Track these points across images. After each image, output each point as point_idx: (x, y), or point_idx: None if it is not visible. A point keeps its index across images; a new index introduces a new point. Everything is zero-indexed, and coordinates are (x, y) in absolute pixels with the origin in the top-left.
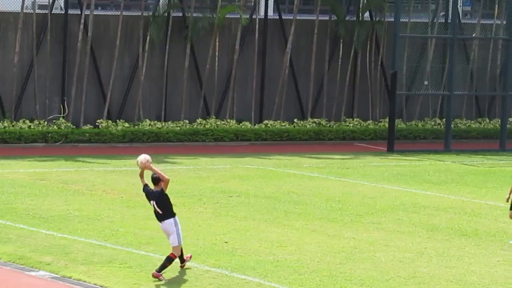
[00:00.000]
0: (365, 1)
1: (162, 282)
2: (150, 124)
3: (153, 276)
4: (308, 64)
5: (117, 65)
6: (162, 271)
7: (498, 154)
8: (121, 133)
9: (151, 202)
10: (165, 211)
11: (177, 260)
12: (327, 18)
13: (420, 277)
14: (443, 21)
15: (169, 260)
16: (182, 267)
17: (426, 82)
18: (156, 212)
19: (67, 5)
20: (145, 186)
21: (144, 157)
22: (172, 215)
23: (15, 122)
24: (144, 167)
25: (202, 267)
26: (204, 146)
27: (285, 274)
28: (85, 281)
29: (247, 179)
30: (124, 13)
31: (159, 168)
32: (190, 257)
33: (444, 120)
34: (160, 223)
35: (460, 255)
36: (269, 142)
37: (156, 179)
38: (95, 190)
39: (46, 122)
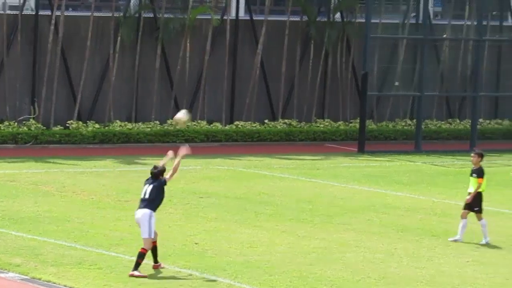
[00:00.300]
0: (336, 2)
1: (132, 283)
2: (120, 125)
3: (130, 276)
4: (279, 65)
5: (87, 66)
6: (137, 269)
7: (468, 155)
8: (91, 134)
9: (146, 186)
10: (152, 198)
11: (151, 263)
12: (298, 19)
13: (391, 277)
14: (414, 22)
15: (140, 256)
16: (154, 267)
17: (397, 83)
18: (141, 199)
19: (37, 6)
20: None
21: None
22: (153, 209)
23: None
24: (176, 123)
25: (173, 268)
26: (175, 147)
27: (255, 275)
28: (55, 283)
29: (218, 180)
30: (95, 14)
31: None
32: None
33: (414, 121)
34: (136, 211)
35: (430, 256)
36: (239, 143)
37: (156, 174)
38: (65, 191)
39: (16, 124)
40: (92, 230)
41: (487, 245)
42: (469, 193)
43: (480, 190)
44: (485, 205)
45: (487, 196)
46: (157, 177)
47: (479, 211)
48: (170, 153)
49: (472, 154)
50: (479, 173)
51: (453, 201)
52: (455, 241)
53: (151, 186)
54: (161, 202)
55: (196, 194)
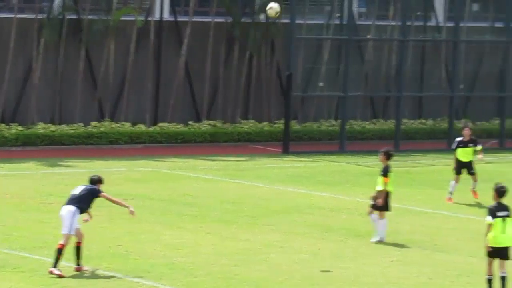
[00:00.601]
0: (261, 3)
1: (56, 286)
2: (44, 127)
3: (50, 272)
4: (203, 66)
5: (10, 68)
6: (57, 265)
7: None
8: (14, 137)
9: (80, 185)
10: (79, 198)
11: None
12: (222, 20)
13: (315, 278)
14: (339, 22)
15: (58, 251)
16: (77, 270)
17: (321, 84)
18: (70, 196)
19: None
20: None
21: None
22: (79, 208)
23: None
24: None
25: (96, 270)
26: (99, 149)
27: (180, 276)
28: None
29: (142, 182)
30: (18, 15)
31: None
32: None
33: (339, 121)
34: (63, 207)
35: (355, 256)
36: (164, 144)
37: (93, 181)
38: None
39: None
40: (15, 233)
41: (381, 242)
42: (377, 191)
43: (387, 188)
44: (408, 205)
45: (411, 195)
46: (94, 184)
47: (383, 209)
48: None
49: (379, 153)
50: (384, 172)
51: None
52: (379, 242)
53: (83, 187)
54: (87, 208)
55: (120, 196)
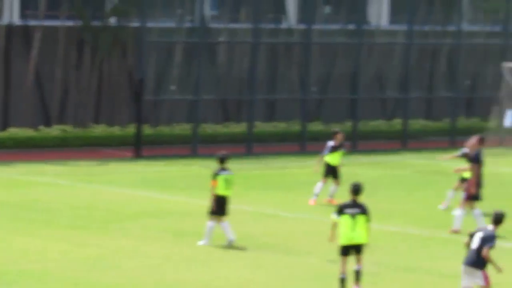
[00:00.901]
0: (111, 6)
1: None
2: None
3: None
4: (54, 70)
5: None
6: None
7: (246, 158)
8: None
9: None
10: None
11: None
12: (73, 23)
13: (167, 282)
14: (191, 25)
15: None
16: None
17: (173, 87)
18: None
19: None
20: None
21: None
22: None
23: None
24: None
25: None
26: None
27: (29, 283)
28: None
29: None
30: None
31: None
32: None
33: (191, 124)
34: None
35: (207, 260)
36: (13, 149)
37: None
38: None
39: None
40: None
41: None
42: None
43: (220, 193)
44: (262, 208)
45: (264, 198)
46: None
47: (216, 214)
48: None
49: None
50: (213, 175)
51: (235, 205)
52: (229, 243)
53: None
54: None
55: None
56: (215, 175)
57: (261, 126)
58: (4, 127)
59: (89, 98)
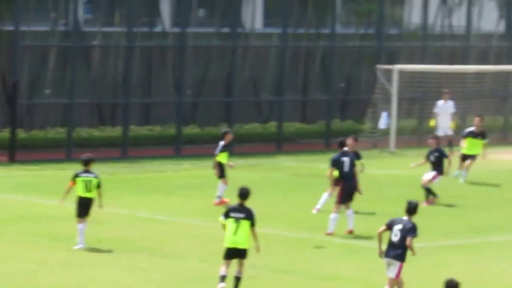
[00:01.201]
0: None
1: None
2: None
3: None
4: None
5: None
6: None
7: (121, 161)
8: None
9: None
10: None
11: None
12: None
13: (43, 287)
14: (64, 29)
15: None
16: None
17: (47, 91)
18: None
19: None
20: None
21: None
22: None
23: None
24: None
25: None
26: None
27: None
28: None
29: None
30: None
31: None
32: None
33: (66, 128)
34: None
35: (82, 264)
36: None
37: None
38: None
39: None
40: None
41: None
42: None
43: (80, 194)
44: (137, 211)
45: (139, 202)
46: None
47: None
48: None
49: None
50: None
51: (111, 209)
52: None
53: None
54: None
55: None
56: (74, 176)
57: (136, 130)
58: None
59: None
